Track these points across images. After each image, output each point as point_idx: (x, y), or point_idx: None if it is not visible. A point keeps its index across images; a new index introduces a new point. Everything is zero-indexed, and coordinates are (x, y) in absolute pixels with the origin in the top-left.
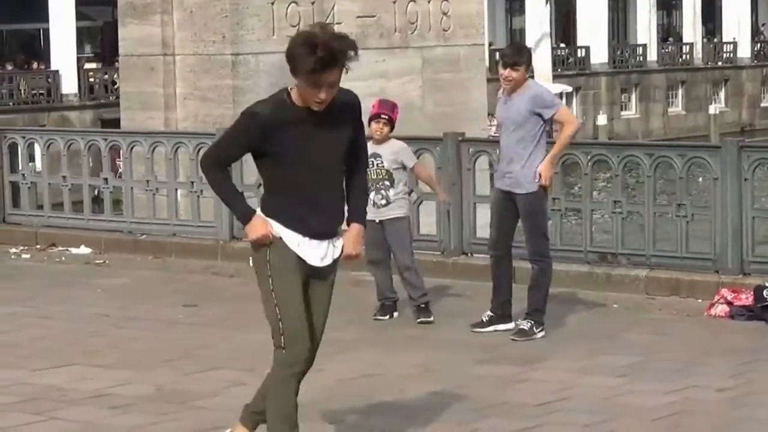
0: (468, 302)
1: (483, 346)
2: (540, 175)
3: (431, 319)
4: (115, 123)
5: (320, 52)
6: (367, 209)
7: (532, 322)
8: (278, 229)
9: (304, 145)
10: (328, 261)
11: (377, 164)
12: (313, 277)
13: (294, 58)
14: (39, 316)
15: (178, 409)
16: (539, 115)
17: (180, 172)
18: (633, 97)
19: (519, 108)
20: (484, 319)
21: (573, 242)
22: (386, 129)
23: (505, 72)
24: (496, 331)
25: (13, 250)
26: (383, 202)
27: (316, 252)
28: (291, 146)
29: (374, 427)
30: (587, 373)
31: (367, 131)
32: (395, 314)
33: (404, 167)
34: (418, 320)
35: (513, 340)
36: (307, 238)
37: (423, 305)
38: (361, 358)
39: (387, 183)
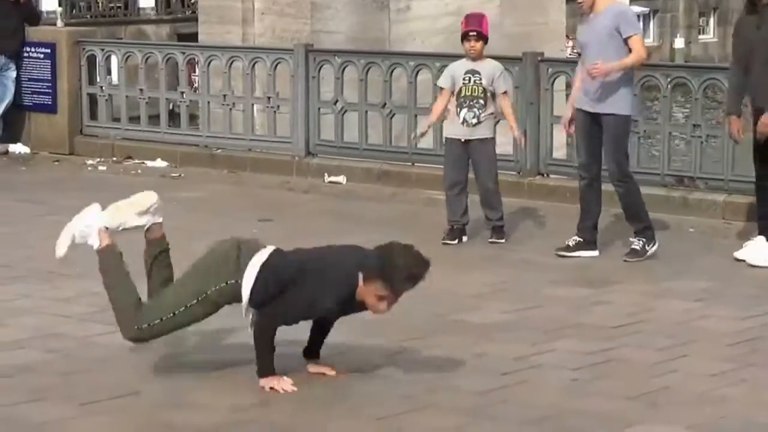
0: (543, 223)
1: (558, 267)
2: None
3: (503, 240)
4: (191, 38)
5: (415, 283)
6: (456, 127)
7: (644, 240)
8: None
9: None
10: None
11: (475, 81)
12: None
13: (402, 277)
14: None
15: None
16: (620, 32)
17: (257, 87)
18: (711, 20)
19: (604, 24)
20: (571, 244)
21: (650, 165)
22: (479, 45)
23: None
24: (580, 257)
25: (90, 161)
26: (474, 120)
27: None
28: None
29: (448, 345)
30: (663, 297)
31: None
32: (464, 239)
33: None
34: (490, 239)
35: (626, 261)
36: None
37: (498, 226)
38: (434, 277)
39: (482, 101)
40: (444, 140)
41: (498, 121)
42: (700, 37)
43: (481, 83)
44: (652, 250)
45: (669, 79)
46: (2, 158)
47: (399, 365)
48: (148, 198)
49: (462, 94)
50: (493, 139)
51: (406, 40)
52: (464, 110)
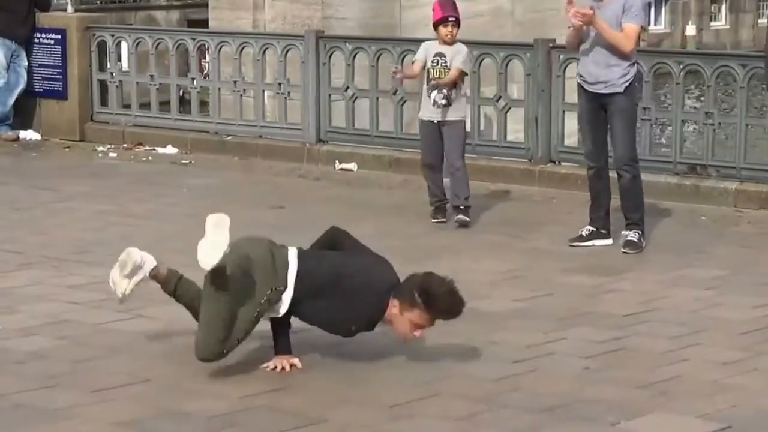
0: (554, 211)
1: (569, 255)
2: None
3: (469, 220)
4: (201, 24)
5: (453, 316)
6: (427, 109)
7: (640, 232)
8: None
9: None
10: None
11: (441, 63)
12: None
13: (442, 307)
14: (126, 214)
15: None
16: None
17: (267, 73)
18: (723, 7)
19: (615, 11)
20: (584, 234)
21: (662, 153)
22: (455, 30)
23: None
24: (594, 246)
25: (101, 148)
26: (444, 102)
27: None
28: None
29: (460, 333)
30: (674, 285)
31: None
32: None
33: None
34: (456, 219)
35: (624, 252)
36: None
37: (463, 207)
38: (445, 264)
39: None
40: (419, 122)
41: (508, 108)
42: (712, 24)
43: (446, 66)
44: (644, 243)
45: (681, 66)
46: (13, 145)
47: (411, 353)
48: (128, 257)
49: (430, 77)
50: (464, 121)
51: (417, 27)
52: (434, 92)
